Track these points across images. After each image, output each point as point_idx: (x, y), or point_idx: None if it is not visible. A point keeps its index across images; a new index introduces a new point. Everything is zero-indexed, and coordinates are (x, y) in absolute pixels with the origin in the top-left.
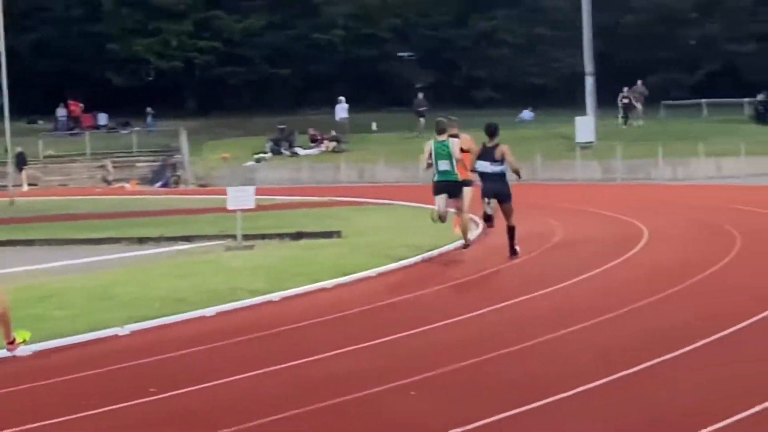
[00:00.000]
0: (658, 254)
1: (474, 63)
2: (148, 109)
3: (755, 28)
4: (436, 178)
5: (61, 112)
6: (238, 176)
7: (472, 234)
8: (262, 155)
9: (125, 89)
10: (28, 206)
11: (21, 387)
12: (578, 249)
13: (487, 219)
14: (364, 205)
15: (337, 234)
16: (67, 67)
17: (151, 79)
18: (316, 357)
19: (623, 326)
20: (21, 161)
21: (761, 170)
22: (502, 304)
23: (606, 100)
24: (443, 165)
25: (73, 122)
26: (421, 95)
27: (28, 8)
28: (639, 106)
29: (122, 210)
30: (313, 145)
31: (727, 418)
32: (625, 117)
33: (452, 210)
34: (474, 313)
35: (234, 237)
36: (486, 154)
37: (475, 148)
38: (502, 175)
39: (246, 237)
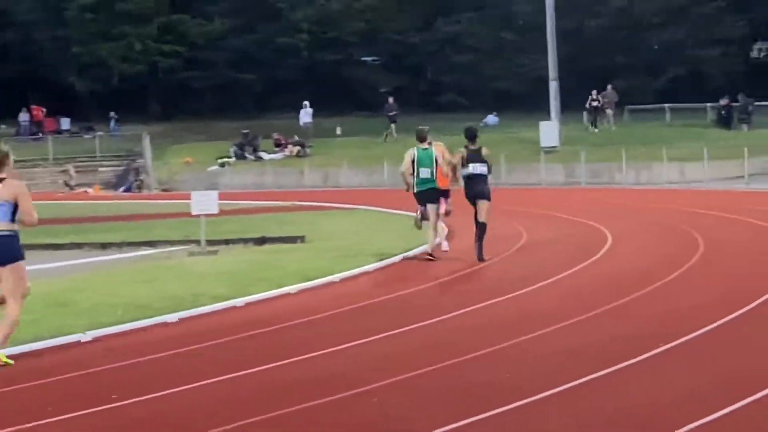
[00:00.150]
0: (622, 258)
1: (439, 67)
2: (112, 114)
3: (719, 34)
4: (417, 188)
5: (23, 116)
6: (202, 181)
7: (437, 240)
8: (225, 160)
9: (88, 94)
10: None
11: None
12: (543, 253)
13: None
14: (328, 209)
15: (301, 239)
16: (30, 71)
17: (114, 83)
18: (281, 363)
19: (588, 330)
20: None
21: (724, 175)
22: (468, 309)
23: (571, 104)
24: (425, 173)
25: (36, 127)
26: (391, 99)
27: None
28: (610, 111)
29: (85, 215)
30: (277, 149)
31: (690, 422)
32: (594, 121)
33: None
34: (440, 318)
35: (197, 242)
36: (474, 157)
37: (449, 155)
38: (486, 176)
39: (209, 242)
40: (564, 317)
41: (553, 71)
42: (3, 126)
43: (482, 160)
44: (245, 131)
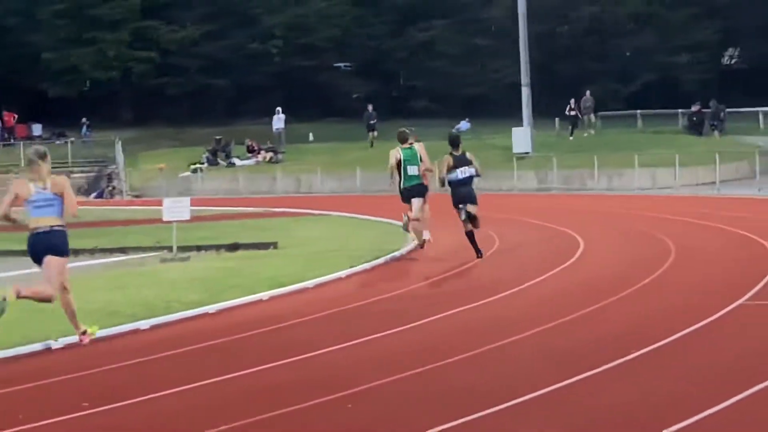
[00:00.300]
0: (595, 264)
1: (411, 73)
2: (84, 120)
3: (690, 40)
4: (404, 185)
5: None
6: (175, 187)
7: (410, 246)
8: (198, 166)
9: (60, 99)
10: None
11: None
12: (516, 259)
13: (472, 219)
14: (301, 215)
15: (273, 245)
16: (1, 77)
17: (86, 89)
18: (253, 369)
19: (564, 335)
20: None
21: (695, 181)
22: (442, 314)
23: (543, 111)
24: (412, 170)
25: (7, 133)
26: (370, 107)
27: None
28: (592, 117)
29: None
30: (249, 155)
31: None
32: (572, 129)
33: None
34: (414, 323)
35: (170, 248)
36: (460, 162)
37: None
38: (472, 179)
39: (182, 248)
40: (540, 322)
41: (525, 77)
42: None
43: (469, 163)
44: (218, 137)
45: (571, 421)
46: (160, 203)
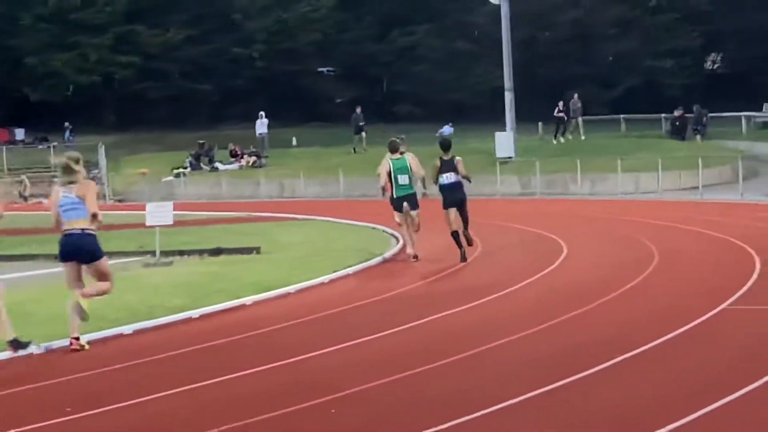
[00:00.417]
0: (578, 269)
1: (394, 78)
2: (66, 124)
3: (672, 45)
4: (396, 194)
5: None
6: (157, 192)
7: (393, 250)
8: (181, 170)
9: (43, 104)
10: None
11: None
12: (499, 263)
13: (456, 234)
14: (284, 220)
15: (256, 250)
16: None
17: (69, 93)
18: (237, 374)
19: (548, 340)
20: None
21: (678, 185)
22: (425, 319)
23: (526, 115)
24: (403, 179)
25: None
26: (358, 110)
27: None
28: (579, 120)
29: (39, 226)
30: (233, 160)
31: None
32: (556, 132)
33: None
34: (397, 328)
35: (153, 253)
36: (447, 166)
37: (419, 167)
38: (462, 184)
39: (165, 253)
40: (524, 326)
41: (508, 82)
42: None
43: (455, 170)
44: (201, 142)
45: (557, 424)
46: (143, 208)
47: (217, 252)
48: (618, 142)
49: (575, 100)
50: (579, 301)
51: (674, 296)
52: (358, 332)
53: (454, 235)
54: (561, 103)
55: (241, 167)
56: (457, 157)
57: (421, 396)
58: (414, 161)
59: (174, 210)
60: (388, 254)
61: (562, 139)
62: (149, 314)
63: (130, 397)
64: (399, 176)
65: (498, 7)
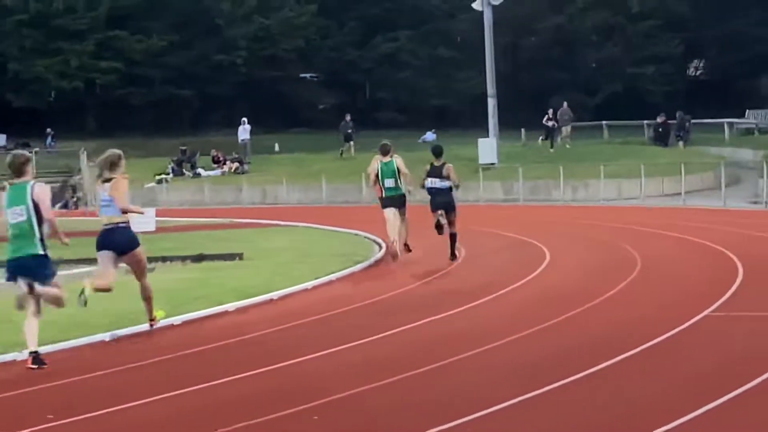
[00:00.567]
0: (561, 275)
1: (377, 84)
2: (49, 130)
3: (654, 51)
4: (384, 194)
5: None
6: (140, 198)
7: (377, 256)
8: (163, 176)
9: (25, 110)
10: None
11: None
12: (481, 270)
13: (439, 227)
14: (267, 226)
15: (239, 256)
16: None
17: (51, 99)
18: (220, 381)
19: (533, 346)
20: None
21: (660, 192)
22: (408, 326)
23: (509, 121)
24: (389, 182)
25: None
26: (348, 117)
27: None
28: (566, 128)
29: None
30: (215, 166)
31: None
32: (547, 139)
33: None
34: (381, 334)
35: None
36: (435, 172)
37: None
38: (450, 190)
39: (147, 260)
40: (506, 333)
41: (491, 88)
42: None
43: (441, 176)
44: (183, 148)
45: (544, 429)
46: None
47: (199, 258)
48: (601, 148)
49: (564, 109)
50: (562, 307)
51: (657, 303)
52: (342, 338)
53: (440, 227)
54: (551, 111)
55: (223, 173)
56: (448, 164)
57: (405, 402)
58: (402, 164)
59: (156, 216)
60: (370, 260)
61: (551, 149)
62: (131, 321)
63: (113, 404)
64: (386, 180)
65: (481, 14)
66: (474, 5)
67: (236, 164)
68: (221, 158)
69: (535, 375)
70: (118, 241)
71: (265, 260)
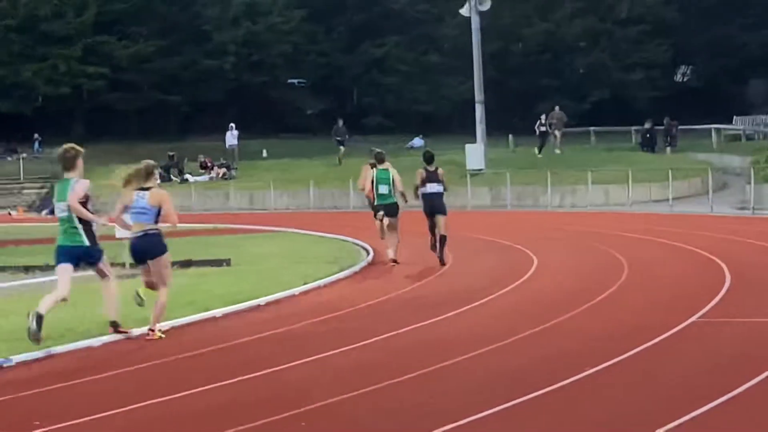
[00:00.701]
0: (548, 281)
1: (365, 90)
2: (36, 135)
3: (642, 57)
4: (376, 202)
5: None
6: None
7: (365, 262)
8: None
9: (12, 115)
10: None
11: None
12: (468, 276)
13: (434, 247)
14: (255, 232)
15: (227, 262)
16: None
17: (38, 104)
18: (206, 387)
19: (515, 354)
20: None
21: (648, 197)
22: (394, 332)
23: (496, 127)
24: (383, 189)
25: None
26: (341, 122)
27: None
28: (558, 132)
29: (8, 237)
30: (203, 171)
31: None
32: (541, 146)
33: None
34: (368, 341)
35: (122, 265)
36: (431, 177)
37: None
38: (442, 194)
39: (134, 265)
40: (493, 339)
41: (478, 94)
42: None
43: (438, 180)
44: (171, 153)
45: None
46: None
47: (186, 264)
48: (588, 154)
49: (557, 112)
50: (549, 313)
51: (644, 308)
52: (330, 344)
53: (441, 239)
54: (543, 117)
55: (211, 179)
56: (440, 170)
57: (393, 408)
58: (398, 178)
59: None
60: (358, 266)
61: (539, 155)
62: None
63: (100, 410)
64: (380, 186)
65: (468, 20)
66: (462, 11)
67: (224, 170)
68: (209, 164)
69: (522, 380)
70: (149, 246)
71: (252, 266)
